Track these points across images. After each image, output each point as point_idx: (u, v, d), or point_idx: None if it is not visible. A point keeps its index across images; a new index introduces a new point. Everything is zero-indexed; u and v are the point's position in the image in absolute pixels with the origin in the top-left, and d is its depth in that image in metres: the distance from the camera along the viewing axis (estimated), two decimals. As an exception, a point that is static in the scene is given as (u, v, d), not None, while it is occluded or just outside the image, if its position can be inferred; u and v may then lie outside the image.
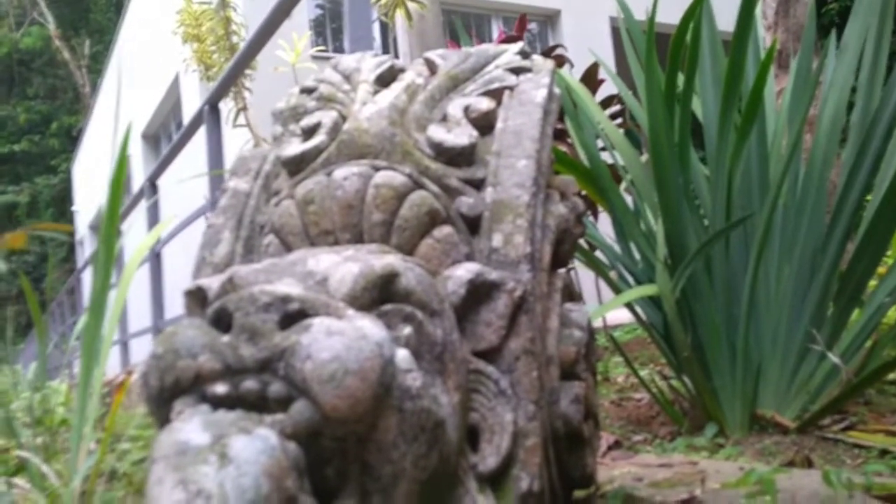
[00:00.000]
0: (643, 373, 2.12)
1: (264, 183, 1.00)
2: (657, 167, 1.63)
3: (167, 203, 4.40)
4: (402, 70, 1.04)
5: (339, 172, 0.89)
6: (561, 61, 2.78)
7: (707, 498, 1.01)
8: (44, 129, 22.84)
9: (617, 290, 1.87)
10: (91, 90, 20.73)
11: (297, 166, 0.94)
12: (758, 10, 1.85)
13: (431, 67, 1.04)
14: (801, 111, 1.66)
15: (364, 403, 0.60)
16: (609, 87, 2.65)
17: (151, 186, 4.30)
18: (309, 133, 0.97)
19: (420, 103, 0.97)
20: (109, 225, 1.33)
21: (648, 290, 1.68)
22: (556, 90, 1.03)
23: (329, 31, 9.84)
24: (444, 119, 0.96)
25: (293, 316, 0.63)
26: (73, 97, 23.35)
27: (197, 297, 0.78)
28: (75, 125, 22.07)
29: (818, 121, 1.78)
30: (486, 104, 0.97)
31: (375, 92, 0.99)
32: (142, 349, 5.08)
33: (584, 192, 2.00)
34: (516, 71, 1.03)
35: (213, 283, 0.75)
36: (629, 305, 1.80)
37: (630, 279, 1.94)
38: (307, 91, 1.06)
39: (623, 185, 2.17)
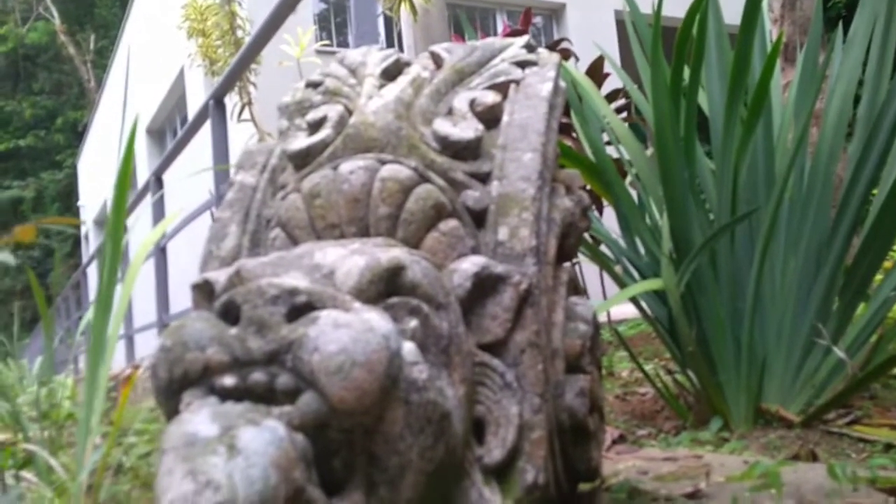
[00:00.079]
0: (648, 367, 2.12)
1: (270, 177, 1.00)
2: (662, 161, 1.62)
3: (172, 198, 4.41)
4: (407, 64, 1.04)
5: (346, 166, 0.90)
6: (566, 55, 2.78)
7: (712, 491, 1.01)
8: (49, 124, 22.89)
9: (622, 285, 1.87)
10: (96, 85, 20.77)
11: (303, 160, 0.94)
12: (764, 3, 1.84)
13: (437, 61, 1.04)
14: (808, 105, 1.66)
15: (371, 395, 0.60)
16: (614, 81, 2.65)
17: (157, 181, 4.31)
18: (315, 127, 0.97)
19: (426, 97, 0.97)
20: (116, 219, 1.34)
21: (653, 284, 1.68)
22: (562, 84, 1.03)
23: (333, 26, 9.83)
24: (449, 113, 0.96)
25: (300, 308, 0.64)
26: (78, 92, 23.39)
27: (204, 291, 0.78)
28: (80, 120, 22.12)
29: (824, 114, 1.78)
30: (491, 98, 0.97)
31: (381, 86, 0.99)
32: (147, 344, 5.10)
33: (588, 187, 2.00)
34: (522, 64, 1.03)
35: (220, 276, 0.76)
36: (634, 300, 1.80)
37: (635, 273, 1.94)
38: (313, 85, 1.06)
39: (628, 179, 2.17)
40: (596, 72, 2.72)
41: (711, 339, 1.66)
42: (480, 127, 0.93)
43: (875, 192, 1.72)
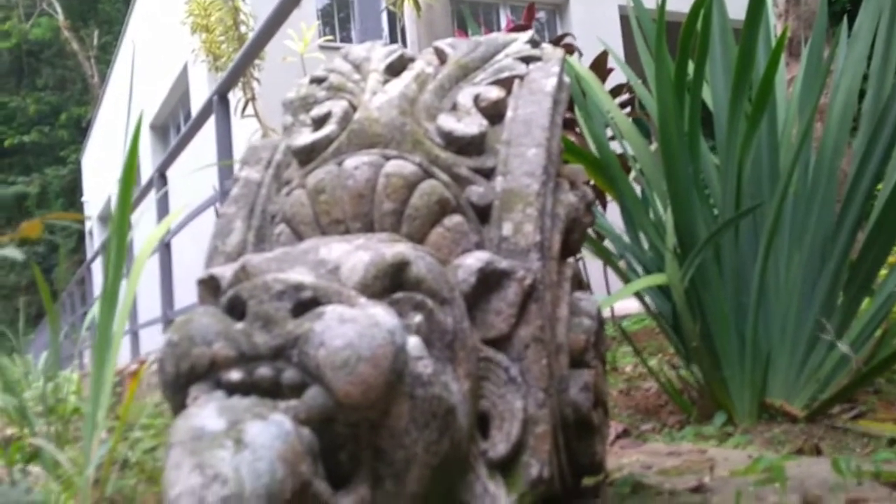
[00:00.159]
0: (652, 362, 2.13)
1: (275, 172, 1.00)
2: (667, 156, 1.62)
3: (176, 194, 4.42)
4: (411, 59, 1.04)
5: (350, 162, 0.90)
6: (570, 50, 2.77)
7: (716, 485, 1.01)
8: (53, 119, 22.92)
9: (626, 280, 1.87)
10: (100, 81, 20.79)
11: (307, 156, 0.95)
12: (768, -2, 1.84)
13: (441, 56, 1.04)
14: (812, 99, 1.66)
15: (376, 390, 0.61)
16: (618, 76, 2.64)
17: (161, 177, 4.32)
18: (319, 123, 0.97)
19: (430, 92, 0.97)
20: (121, 215, 1.34)
21: (657, 279, 1.68)
22: (566, 79, 1.03)
23: (337, 21, 9.83)
24: (453, 108, 0.96)
25: (306, 304, 0.64)
26: (81, 88, 23.41)
27: (210, 286, 0.79)
28: (84, 116, 22.15)
29: (829, 109, 1.78)
30: (495, 93, 0.97)
31: (385, 81, 0.99)
32: (151, 339, 5.11)
33: (592, 182, 2.00)
34: (526, 60, 1.03)
35: (225, 271, 0.76)
36: (638, 295, 1.80)
37: (639, 269, 1.94)
38: (317, 81, 1.06)
39: (632, 175, 2.17)
40: (600, 67, 2.71)
41: (715, 333, 1.66)
42: (484, 122, 0.93)
43: (880, 186, 1.72)
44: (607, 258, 1.89)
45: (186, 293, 3.48)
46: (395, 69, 1.02)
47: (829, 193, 1.71)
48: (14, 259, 0.76)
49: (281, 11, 2.81)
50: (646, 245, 1.92)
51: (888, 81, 1.71)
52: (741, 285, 1.67)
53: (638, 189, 1.99)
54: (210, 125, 3.41)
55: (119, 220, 1.34)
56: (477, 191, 0.90)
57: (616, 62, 2.34)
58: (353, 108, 0.97)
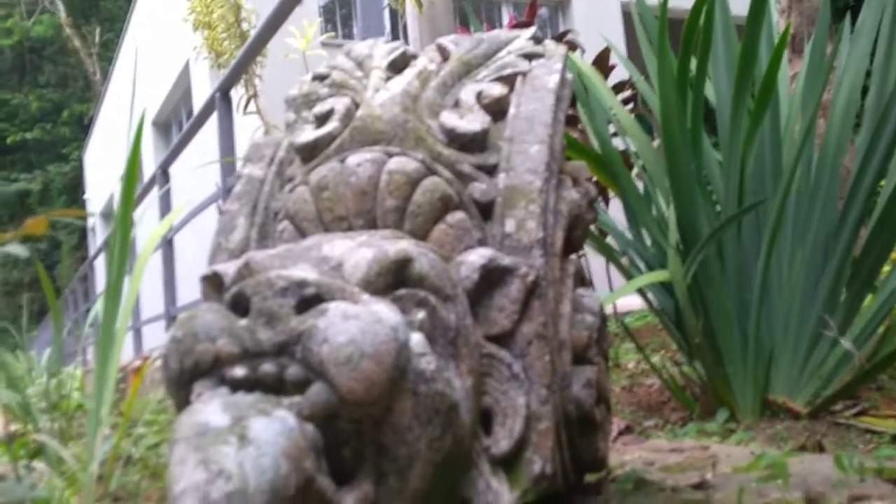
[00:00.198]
0: (654, 359, 2.13)
1: (278, 169, 1.00)
2: (669, 153, 1.62)
3: (178, 190, 4.42)
4: (414, 56, 1.04)
5: (353, 159, 0.90)
6: (572, 47, 2.77)
7: (718, 482, 1.01)
8: (55, 117, 22.93)
9: (628, 277, 1.87)
10: (102, 78, 20.80)
11: (310, 153, 0.95)
12: (771, -6, 1.84)
13: (444, 53, 1.04)
14: (815, 96, 1.65)
15: (379, 386, 0.61)
16: (620, 73, 2.64)
17: (163, 174, 4.32)
18: (322, 120, 0.97)
19: (432, 89, 0.97)
20: (125, 212, 1.35)
21: (660, 275, 1.68)
22: (569, 76, 1.03)
23: (339, 18, 9.82)
24: (456, 105, 0.96)
25: (309, 300, 0.64)
26: (83, 85, 23.42)
27: (213, 283, 0.79)
28: (86, 113, 22.16)
29: (832, 106, 1.77)
30: (498, 90, 0.97)
31: (388, 78, 0.99)
32: (154, 336, 5.12)
33: (595, 178, 2.00)
34: (529, 56, 1.03)
35: (229, 268, 0.76)
36: (641, 291, 1.80)
37: (641, 265, 1.94)
38: (319, 78, 1.06)
39: (634, 171, 2.17)
40: (602, 63, 2.71)
41: (718, 330, 1.66)
42: (487, 119, 0.93)
43: (883, 183, 1.72)
44: (610, 255, 1.89)
45: (189, 290, 3.48)
46: (397, 66, 1.02)
47: (831, 190, 1.71)
48: (18, 256, 0.77)
49: (283, 9, 2.81)
50: (648, 242, 1.91)
51: (891, 78, 1.71)
52: (744, 282, 1.67)
53: (640, 185, 1.99)
54: (212, 122, 3.41)
55: (122, 217, 1.34)
56: (480, 187, 0.90)
57: (618, 58, 2.34)
58: (356, 105, 0.97)
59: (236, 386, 0.62)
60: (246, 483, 0.53)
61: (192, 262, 3.25)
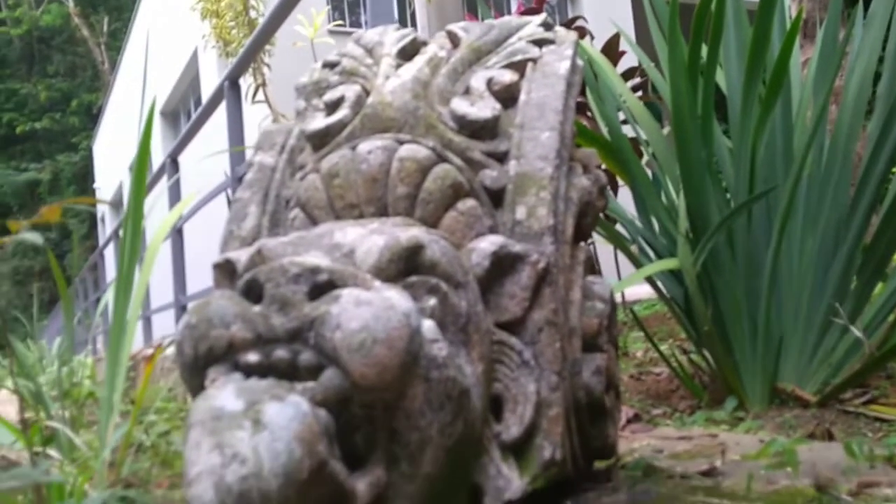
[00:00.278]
0: (663, 347, 2.13)
1: (289, 157, 1.01)
2: (680, 140, 1.61)
3: (187, 179, 4.43)
4: (424, 43, 1.04)
5: (364, 146, 0.90)
6: (581, 33, 2.75)
7: (727, 469, 1.02)
8: (64, 106, 23.00)
9: (637, 265, 1.87)
10: (110, 67, 20.83)
11: (321, 140, 0.95)
12: (783, -21, 1.82)
13: (454, 40, 1.04)
14: (827, 82, 1.64)
15: (392, 371, 0.61)
16: (630, 59, 2.62)
17: (173, 163, 4.33)
18: (332, 107, 0.97)
19: (443, 76, 0.97)
20: (136, 202, 1.35)
21: (669, 263, 1.68)
22: (580, 62, 1.02)
23: (346, 6, 9.79)
24: (466, 92, 0.96)
25: (322, 287, 0.65)
26: (92, 74, 23.47)
27: (226, 270, 0.80)
28: (95, 103, 22.21)
29: (844, 92, 1.76)
30: (508, 76, 0.97)
31: (398, 65, 0.99)
32: (163, 325, 5.15)
33: (604, 166, 1.99)
34: (539, 43, 1.03)
35: (241, 255, 0.77)
36: (650, 279, 1.80)
37: (651, 253, 1.94)
38: (330, 65, 1.06)
39: (644, 159, 2.16)
40: (612, 50, 2.69)
41: (727, 318, 1.66)
42: (498, 106, 0.93)
43: (895, 170, 1.71)
44: (619, 242, 1.89)
45: (199, 278, 3.50)
46: (407, 53, 1.02)
47: (843, 177, 1.70)
48: (33, 243, 0.77)
49: (291, -4, 2.80)
50: (658, 229, 1.91)
51: (904, 64, 1.69)
52: (754, 270, 1.66)
53: (650, 173, 1.98)
54: (221, 111, 3.41)
55: (134, 207, 1.35)
56: (490, 174, 0.90)
57: (628, 45, 2.33)
58: (367, 92, 0.97)
59: (250, 371, 0.62)
60: (260, 467, 0.53)
61: (202, 251, 3.26)
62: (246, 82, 4.16)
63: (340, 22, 8.44)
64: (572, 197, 0.93)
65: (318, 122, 0.96)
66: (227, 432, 0.54)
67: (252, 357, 0.62)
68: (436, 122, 0.92)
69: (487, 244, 0.82)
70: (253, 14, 5.05)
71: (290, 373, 0.62)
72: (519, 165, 0.90)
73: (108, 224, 17.82)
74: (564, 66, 0.98)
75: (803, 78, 1.95)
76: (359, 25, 9.10)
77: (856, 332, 1.55)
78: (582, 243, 0.97)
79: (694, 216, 1.66)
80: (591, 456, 0.95)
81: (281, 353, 0.62)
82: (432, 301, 0.72)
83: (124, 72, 15.69)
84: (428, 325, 0.68)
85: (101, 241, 12.82)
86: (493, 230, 0.88)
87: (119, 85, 16.27)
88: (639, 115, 1.91)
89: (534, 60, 1.00)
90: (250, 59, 3.46)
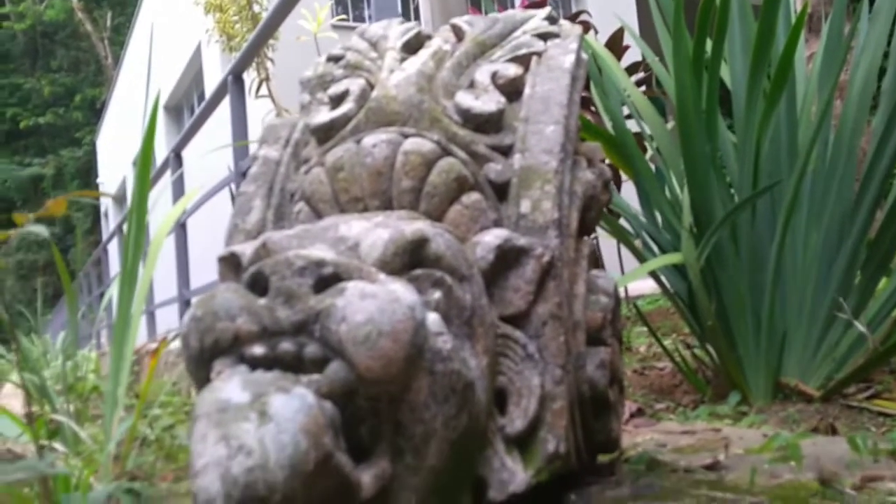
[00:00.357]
0: (666, 342, 2.13)
1: (294, 151, 1.01)
2: (684, 135, 1.61)
3: (190, 174, 4.43)
4: (428, 37, 1.04)
5: (368, 140, 0.90)
6: (586, 27, 2.75)
7: (731, 463, 1.02)
8: (68, 101, 23.02)
9: (641, 259, 1.87)
10: (113, 62, 20.83)
11: (325, 134, 0.95)
12: (788, -26, 1.81)
13: (458, 34, 1.04)
14: (832, 77, 1.64)
15: (397, 364, 0.62)
16: (634, 54, 2.62)
17: (176, 158, 4.33)
18: (337, 101, 0.97)
19: (447, 70, 0.97)
20: (140, 197, 1.36)
21: (673, 258, 1.68)
22: (584, 56, 1.02)
23: (349, 1, 9.77)
24: (471, 85, 0.96)
25: (327, 280, 0.65)
26: (95, 69, 23.47)
27: (231, 263, 0.80)
28: (98, 97, 22.23)
29: (849, 86, 1.75)
30: (513, 70, 0.97)
31: (403, 59, 0.99)
32: (167, 320, 5.16)
33: (608, 160, 1.99)
34: (544, 36, 1.02)
35: (246, 249, 0.77)
36: (653, 274, 1.80)
37: (654, 248, 1.94)
38: (334, 59, 1.06)
39: (648, 153, 2.16)
40: (616, 44, 2.68)
41: (731, 313, 1.66)
42: (502, 100, 0.93)
43: (900, 165, 1.70)
44: (623, 237, 1.89)
45: (202, 273, 3.50)
46: (412, 47, 1.02)
47: (847, 172, 1.69)
48: (40, 236, 0.78)
49: (294, -9, 2.80)
50: (661, 224, 1.91)
51: (910, 58, 1.69)
52: (757, 264, 1.66)
53: (654, 167, 1.98)
54: (224, 106, 3.41)
55: (138, 201, 1.35)
56: (495, 168, 0.90)
57: (632, 39, 2.32)
58: (371, 86, 0.97)
59: (255, 364, 0.63)
60: (266, 458, 0.53)
61: (205, 246, 3.27)
62: (249, 77, 4.16)
63: (344, 16, 8.43)
64: (577, 191, 0.93)
65: (323, 115, 0.96)
66: (233, 424, 0.54)
67: (258, 349, 0.63)
68: (440, 115, 0.92)
69: (492, 238, 0.83)
70: (256, 8, 5.04)
71: (295, 365, 0.62)
72: (524, 159, 0.90)
73: (111, 219, 17.85)
74: (569, 59, 0.98)
75: (808, 73, 1.95)
76: (362, 20, 9.09)
77: (860, 326, 1.54)
78: (586, 237, 0.98)
79: (698, 211, 1.66)
80: (595, 450, 0.95)
81: (286, 345, 0.62)
82: (437, 294, 0.72)
83: (128, 67, 15.69)
84: (433, 318, 0.68)
85: (105, 236, 12.85)
86: (497, 224, 0.88)
87: (122, 80, 16.28)
88: (643, 110, 1.90)
89: (538, 54, 1.00)
90: (254, 53, 3.46)
